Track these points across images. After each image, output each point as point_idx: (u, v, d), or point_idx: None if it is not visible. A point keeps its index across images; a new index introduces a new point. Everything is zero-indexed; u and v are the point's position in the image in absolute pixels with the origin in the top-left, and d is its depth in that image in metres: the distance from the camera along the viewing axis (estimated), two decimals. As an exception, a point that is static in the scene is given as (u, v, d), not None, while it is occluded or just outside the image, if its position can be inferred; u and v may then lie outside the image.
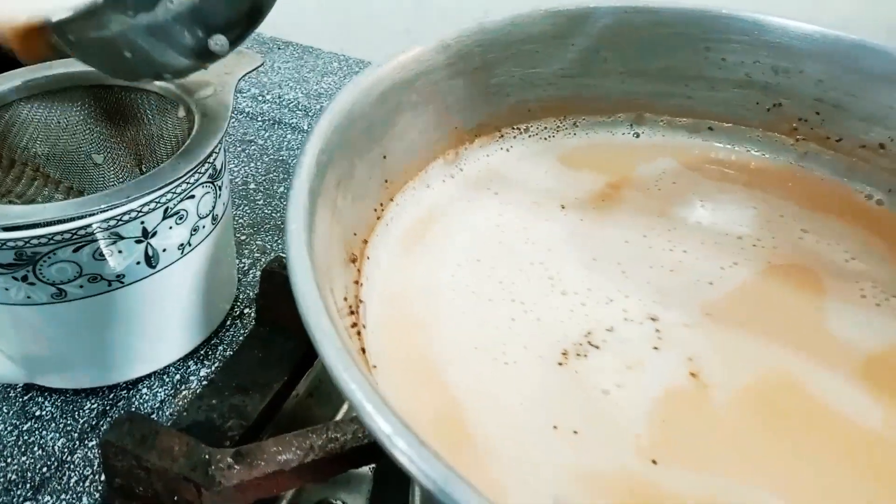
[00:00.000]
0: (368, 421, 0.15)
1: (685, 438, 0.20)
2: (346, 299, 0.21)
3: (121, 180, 0.36)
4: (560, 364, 0.22)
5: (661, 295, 0.26)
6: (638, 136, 0.32)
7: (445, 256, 0.26)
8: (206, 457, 0.25)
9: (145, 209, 0.27)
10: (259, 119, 0.52)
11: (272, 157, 0.48)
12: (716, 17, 0.31)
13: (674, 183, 0.31)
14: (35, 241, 0.26)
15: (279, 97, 0.54)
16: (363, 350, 0.21)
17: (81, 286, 0.28)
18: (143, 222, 0.28)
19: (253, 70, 0.34)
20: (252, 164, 0.47)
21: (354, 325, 0.21)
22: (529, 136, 0.32)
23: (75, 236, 0.26)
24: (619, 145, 0.33)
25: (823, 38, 0.30)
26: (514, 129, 0.32)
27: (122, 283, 0.29)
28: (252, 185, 0.46)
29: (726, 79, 0.31)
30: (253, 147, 0.49)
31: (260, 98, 0.54)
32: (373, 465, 0.32)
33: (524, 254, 0.27)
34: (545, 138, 0.32)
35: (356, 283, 0.23)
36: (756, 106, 0.32)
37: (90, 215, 0.26)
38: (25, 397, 0.33)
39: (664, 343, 0.24)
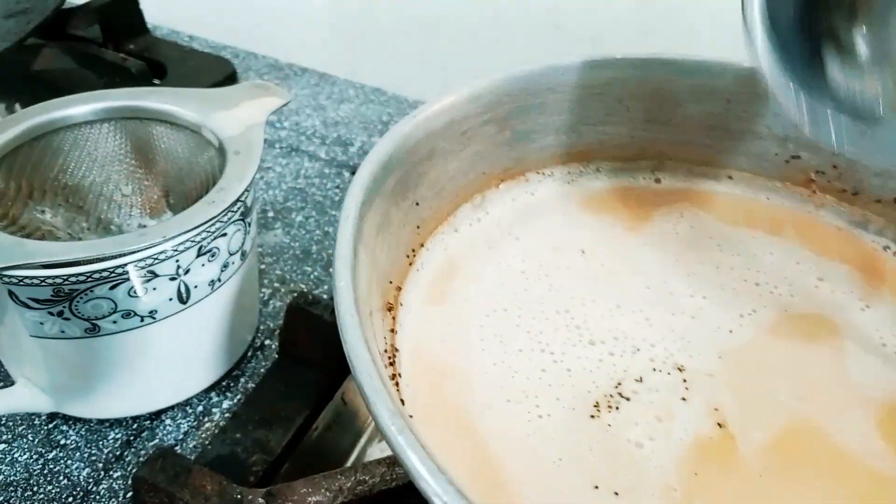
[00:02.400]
0: (424, 485, 0.15)
1: (717, 491, 0.21)
2: (385, 351, 0.22)
3: (148, 212, 0.37)
4: (592, 417, 0.23)
5: (685, 343, 0.27)
6: (659, 181, 0.33)
7: (473, 305, 0.27)
8: (238, 496, 0.25)
9: (180, 248, 0.28)
10: (277, 146, 0.52)
11: (290, 184, 0.49)
12: (738, 70, 0.32)
13: (692, 227, 0.32)
14: (74, 279, 0.26)
15: (297, 124, 0.55)
16: (402, 401, 0.21)
17: (115, 321, 0.28)
18: (177, 260, 0.28)
19: (282, 106, 0.35)
20: (270, 192, 0.48)
21: (393, 376, 0.22)
22: (554, 181, 0.32)
23: (113, 274, 0.27)
24: (639, 190, 0.33)
25: (841, 94, 0.31)
26: (538, 173, 0.33)
27: (154, 318, 0.29)
28: (271, 214, 0.46)
29: (746, 130, 0.32)
30: (271, 174, 0.50)
31: (278, 125, 0.54)
32: None
33: (549, 301, 0.28)
34: (568, 182, 0.32)
35: (392, 331, 0.24)
36: (775, 157, 0.32)
37: (129, 254, 0.27)
38: (50, 426, 0.33)
39: (691, 393, 0.24)
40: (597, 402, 0.23)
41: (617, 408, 0.23)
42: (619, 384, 0.24)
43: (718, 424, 0.23)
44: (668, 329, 0.27)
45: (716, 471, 0.22)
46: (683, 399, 0.24)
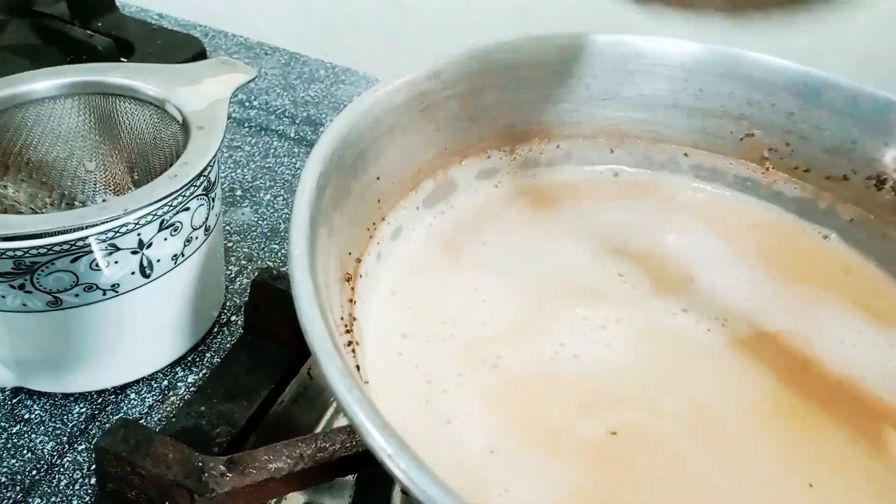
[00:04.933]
0: (370, 440, 0.16)
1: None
2: (342, 318, 0.22)
3: (112, 188, 0.37)
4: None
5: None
6: (617, 174, 0.34)
7: (435, 286, 0.27)
8: (200, 464, 0.26)
9: (142, 221, 0.28)
10: (246, 125, 0.52)
11: (259, 163, 0.49)
12: (694, 50, 0.32)
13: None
14: (34, 252, 0.27)
15: (266, 104, 0.54)
16: (357, 367, 0.22)
17: (77, 295, 0.29)
18: (139, 234, 0.28)
19: (247, 83, 0.35)
20: (239, 171, 0.48)
21: (350, 343, 0.22)
22: (514, 160, 0.33)
23: (74, 247, 0.27)
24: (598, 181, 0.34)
25: (794, 73, 0.32)
26: (500, 150, 0.33)
27: (117, 292, 0.29)
28: (239, 192, 0.46)
29: (702, 108, 0.33)
30: (240, 153, 0.50)
31: (247, 104, 0.54)
32: (356, 472, 0.33)
33: (508, 286, 0.28)
34: (532, 175, 0.33)
35: (350, 301, 0.24)
36: (730, 135, 0.33)
37: (90, 226, 0.27)
38: (14, 400, 0.33)
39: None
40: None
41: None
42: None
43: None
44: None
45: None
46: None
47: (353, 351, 0.22)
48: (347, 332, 0.23)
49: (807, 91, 0.32)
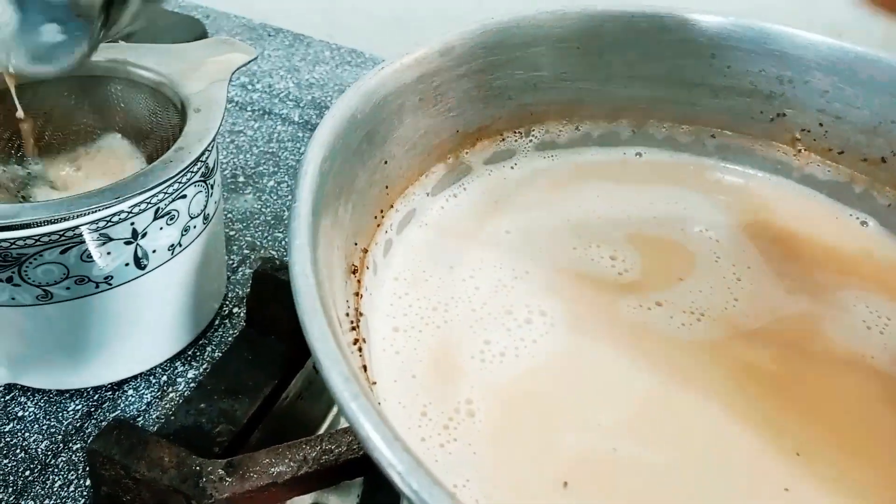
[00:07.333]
0: (378, 455, 0.14)
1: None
2: (347, 314, 0.21)
3: (107, 174, 0.35)
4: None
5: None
6: (640, 155, 0.32)
7: (449, 274, 0.25)
8: (197, 468, 0.24)
9: (136, 210, 0.27)
10: (249, 109, 0.50)
11: (262, 148, 0.47)
12: (723, 24, 0.30)
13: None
14: (21, 243, 0.25)
15: (269, 86, 0.53)
16: (364, 367, 0.20)
17: (68, 288, 0.27)
18: (133, 223, 0.27)
19: (247, 63, 0.33)
20: (241, 156, 0.46)
21: (356, 341, 0.21)
22: (531, 142, 0.31)
23: (63, 237, 0.25)
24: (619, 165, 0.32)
25: (829, 49, 0.30)
26: (515, 132, 0.31)
27: (110, 284, 0.28)
28: (241, 178, 0.45)
29: (730, 87, 0.31)
30: (242, 138, 0.48)
31: (250, 87, 0.52)
32: (365, 472, 0.32)
33: (508, 268, 0.26)
34: (550, 157, 0.31)
35: (357, 294, 0.23)
36: (760, 115, 0.31)
37: (79, 216, 0.25)
38: (7, 397, 0.32)
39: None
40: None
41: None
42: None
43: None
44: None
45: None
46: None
47: (360, 349, 0.21)
48: (353, 329, 0.21)
49: (843, 67, 0.30)
